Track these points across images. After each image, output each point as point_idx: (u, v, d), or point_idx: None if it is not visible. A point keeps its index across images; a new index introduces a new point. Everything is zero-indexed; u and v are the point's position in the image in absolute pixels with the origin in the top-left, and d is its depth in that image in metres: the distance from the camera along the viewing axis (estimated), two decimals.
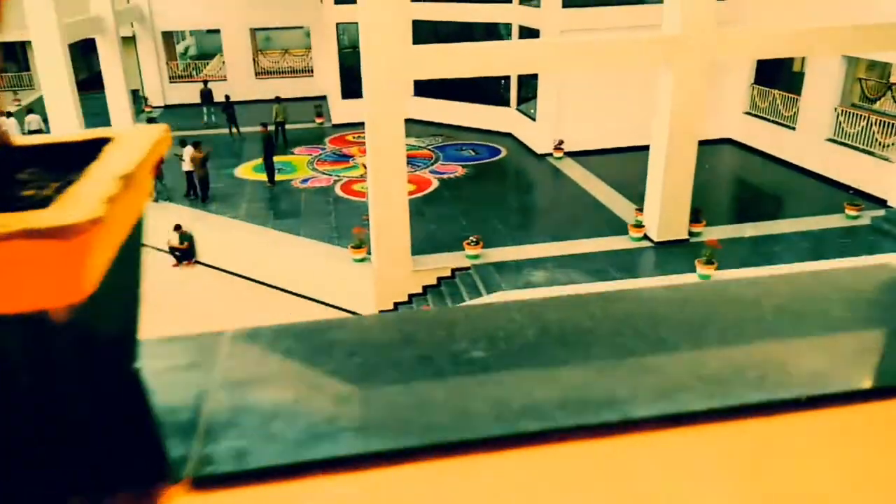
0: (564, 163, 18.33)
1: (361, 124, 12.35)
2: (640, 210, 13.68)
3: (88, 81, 28.06)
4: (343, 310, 13.47)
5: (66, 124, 17.75)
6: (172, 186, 17.25)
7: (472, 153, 19.86)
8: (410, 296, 12.95)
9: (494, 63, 12.14)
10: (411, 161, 18.78)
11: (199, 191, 16.70)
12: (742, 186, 17.50)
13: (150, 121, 23.21)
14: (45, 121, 19.47)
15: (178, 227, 15.33)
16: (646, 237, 13.31)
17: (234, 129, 22.47)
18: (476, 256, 12.80)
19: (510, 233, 13.99)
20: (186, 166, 16.63)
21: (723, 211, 14.98)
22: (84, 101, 24.13)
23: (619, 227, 13.78)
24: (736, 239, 13.15)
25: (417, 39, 22.45)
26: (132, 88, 26.28)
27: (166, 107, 27.13)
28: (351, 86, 21.02)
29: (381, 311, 12.96)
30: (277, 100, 22.35)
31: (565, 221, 14.54)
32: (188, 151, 16.55)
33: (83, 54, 26.96)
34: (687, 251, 12.60)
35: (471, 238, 12.87)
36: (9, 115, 20.90)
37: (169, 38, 28.89)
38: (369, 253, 13.00)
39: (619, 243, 13.18)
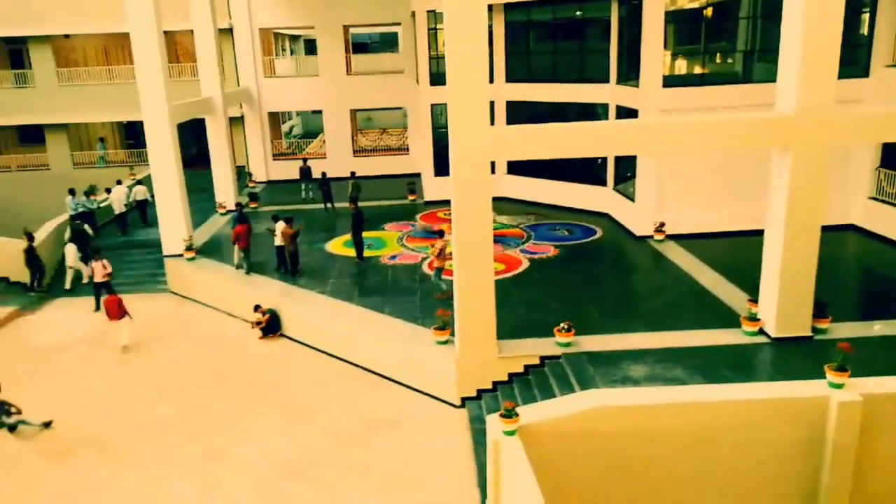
0: (666, 246, 17.21)
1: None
2: (755, 301, 12.30)
3: (199, 157, 29.68)
4: (425, 394, 12.68)
5: (170, 197, 18.40)
6: (263, 260, 17.42)
7: (566, 233, 19.12)
8: (495, 383, 12.04)
9: (586, 145, 11.47)
10: (502, 240, 18.39)
11: (289, 265, 16.71)
12: (870, 277, 15.65)
13: (252, 196, 23.91)
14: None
15: (257, 308, 15.45)
16: (762, 332, 11.88)
17: (328, 205, 22.82)
18: (567, 344, 11.84)
19: (606, 320, 12.97)
20: (278, 241, 16.74)
21: (849, 305, 13.30)
22: (192, 175, 25.30)
23: (729, 320, 12.46)
24: (866, 339, 11.51)
25: (514, 119, 22.53)
26: (238, 164, 27.53)
27: (269, 182, 28.16)
28: (443, 164, 20.91)
29: (463, 398, 12.09)
30: (353, 176, 22.68)
31: (668, 310, 13.35)
32: (280, 227, 16.69)
33: (196, 131, 28.56)
34: (811, 350, 11.09)
35: (562, 325, 11.95)
36: (108, 190, 22.15)
37: (275, 117, 30.32)
38: (453, 335, 12.26)
39: (730, 337, 11.83)
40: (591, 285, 15.08)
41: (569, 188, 21.50)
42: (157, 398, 13.12)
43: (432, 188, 23.24)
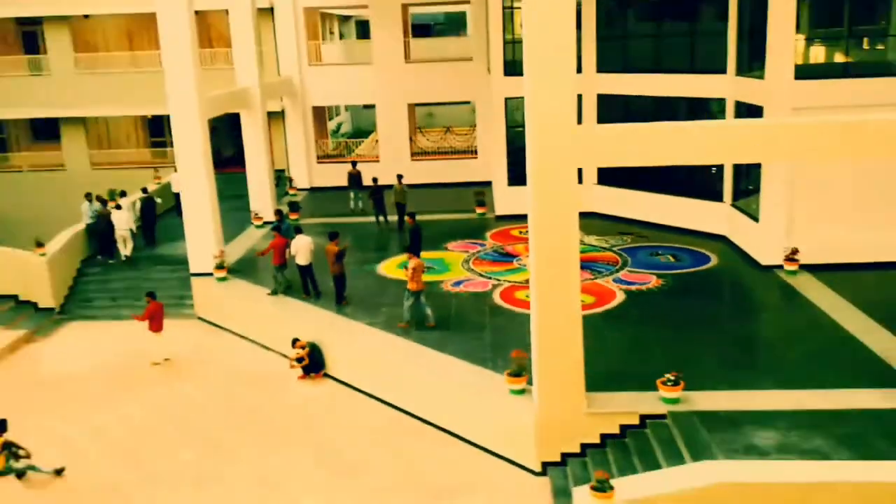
0: (800, 279, 16.71)
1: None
2: None
3: (237, 158, 30.38)
4: (496, 455, 12.49)
5: (199, 205, 18.85)
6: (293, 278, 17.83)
7: (672, 259, 18.82)
8: (584, 446, 11.75)
9: (697, 149, 11.10)
10: (591, 266, 18.21)
11: (314, 290, 17.33)
12: None
13: (292, 205, 24.30)
14: None
15: (295, 342, 15.62)
16: None
17: (381, 218, 22.99)
18: (675, 401, 11.52)
19: (724, 372, 12.61)
20: (300, 259, 17.07)
21: None
22: (228, 179, 25.84)
23: (883, 375, 11.96)
24: None
25: (606, 117, 22.27)
26: (278, 168, 28.06)
27: (312, 189, 28.75)
28: (519, 171, 20.80)
29: (544, 463, 11.84)
30: (374, 183, 23.00)
31: (805, 363, 12.88)
32: (301, 242, 17.15)
33: (234, 129, 29.26)
34: None
35: (668, 375, 11.63)
36: (118, 206, 21.45)
37: (320, 113, 30.80)
38: (531, 383, 12.07)
39: (885, 399, 11.24)
40: (705, 327, 14.75)
41: (675, 203, 21.11)
42: (179, 443, 13.38)
43: (505, 200, 23.18)
